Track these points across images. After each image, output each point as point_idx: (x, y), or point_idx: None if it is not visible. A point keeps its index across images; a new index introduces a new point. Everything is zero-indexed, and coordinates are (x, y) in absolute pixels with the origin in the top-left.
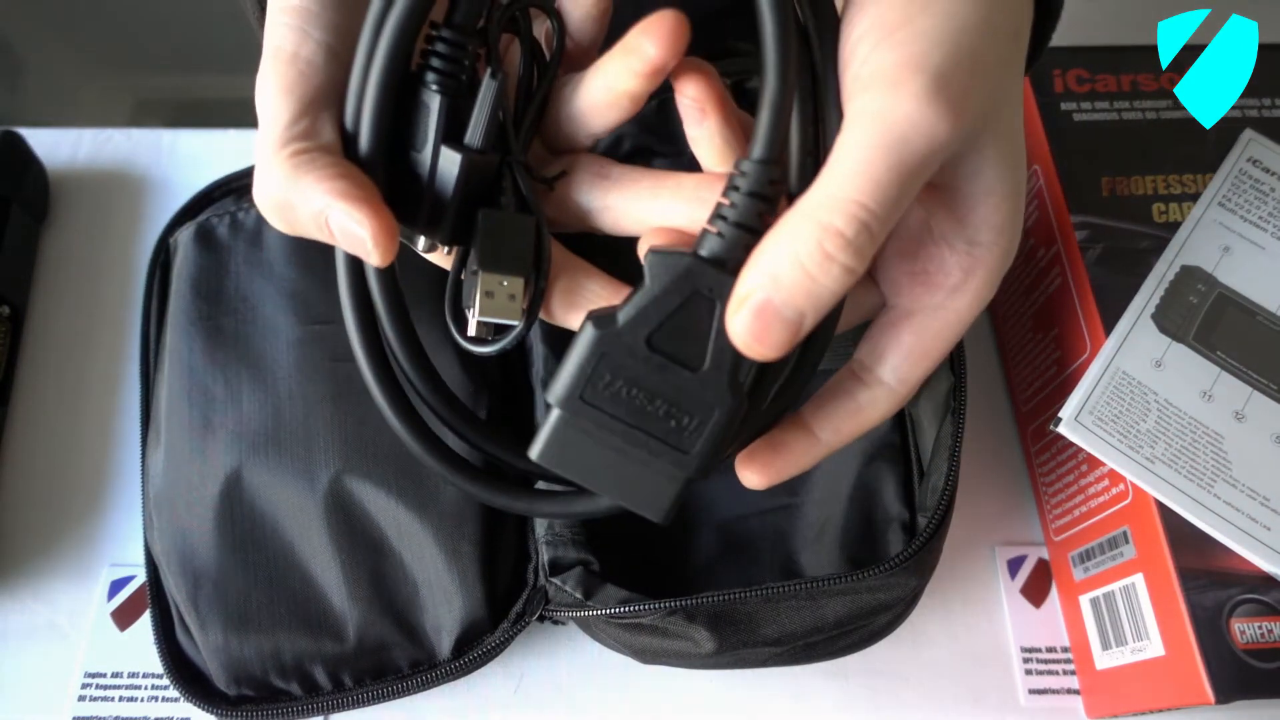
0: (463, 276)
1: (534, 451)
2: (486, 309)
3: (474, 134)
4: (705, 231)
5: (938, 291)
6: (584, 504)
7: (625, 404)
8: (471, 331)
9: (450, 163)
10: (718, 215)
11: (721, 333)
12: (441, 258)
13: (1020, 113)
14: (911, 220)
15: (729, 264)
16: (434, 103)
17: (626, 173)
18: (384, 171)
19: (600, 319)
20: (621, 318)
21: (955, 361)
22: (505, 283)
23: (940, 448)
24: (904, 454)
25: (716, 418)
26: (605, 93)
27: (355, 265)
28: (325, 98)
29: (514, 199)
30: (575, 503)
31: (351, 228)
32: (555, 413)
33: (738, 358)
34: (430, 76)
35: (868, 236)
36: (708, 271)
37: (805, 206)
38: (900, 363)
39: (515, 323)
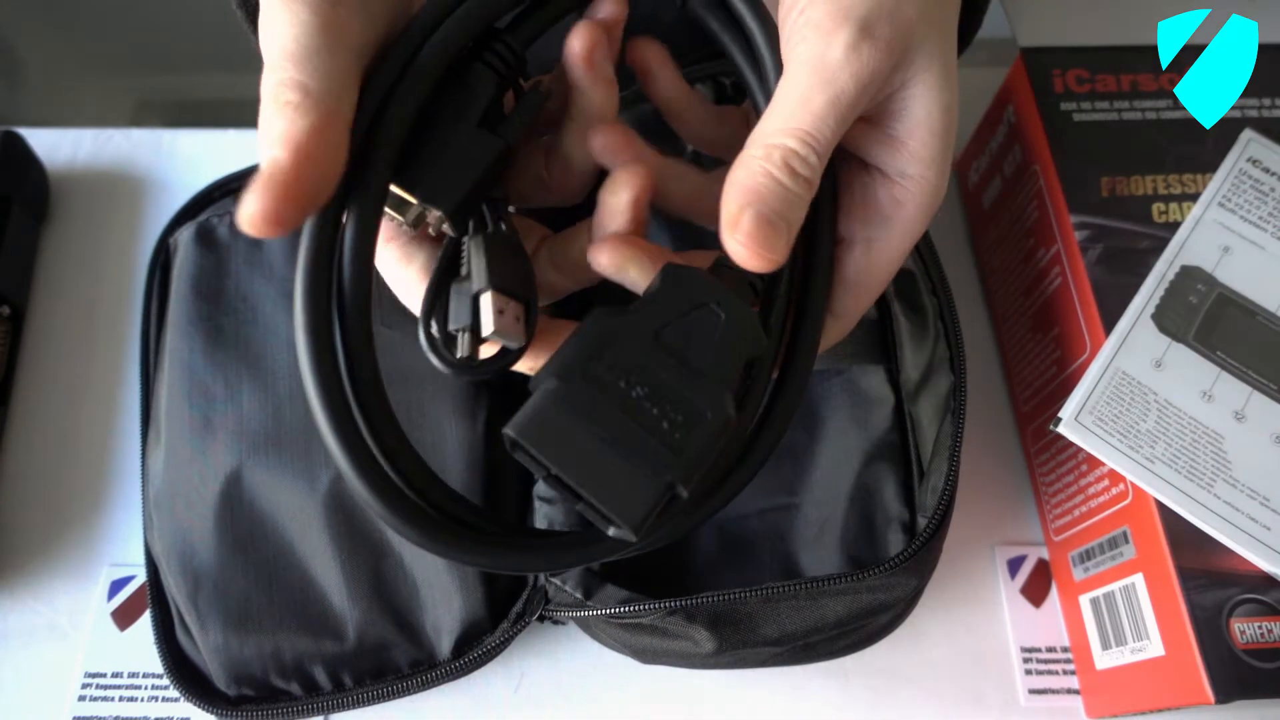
0: (445, 294)
1: (513, 426)
2: (501, 327)
3: (511, 129)
4: (718, 260)
5: (870, 223)
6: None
7: (621, 393)
8: (463, 352)
9: (486, 146)
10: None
11: (724, 345)
12: (410, 251)
13: (953, 54)
14: (843, 155)
15: (737, 280)
16: (482, 88)
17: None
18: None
19: (610, 310)
20: (632, 310)
21: (955, 361)
22: (511, 303)
23: (940, 448)
24: (904, 454)
25: (709, 421)
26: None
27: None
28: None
29: (504, 223)
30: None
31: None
32: (546, 386)
33: (737, 370)
34: (482, 67)
35: (815, 156)
36: (719, 287)
37: (761, 136)
38: (841, 294)
39: (515, 343)
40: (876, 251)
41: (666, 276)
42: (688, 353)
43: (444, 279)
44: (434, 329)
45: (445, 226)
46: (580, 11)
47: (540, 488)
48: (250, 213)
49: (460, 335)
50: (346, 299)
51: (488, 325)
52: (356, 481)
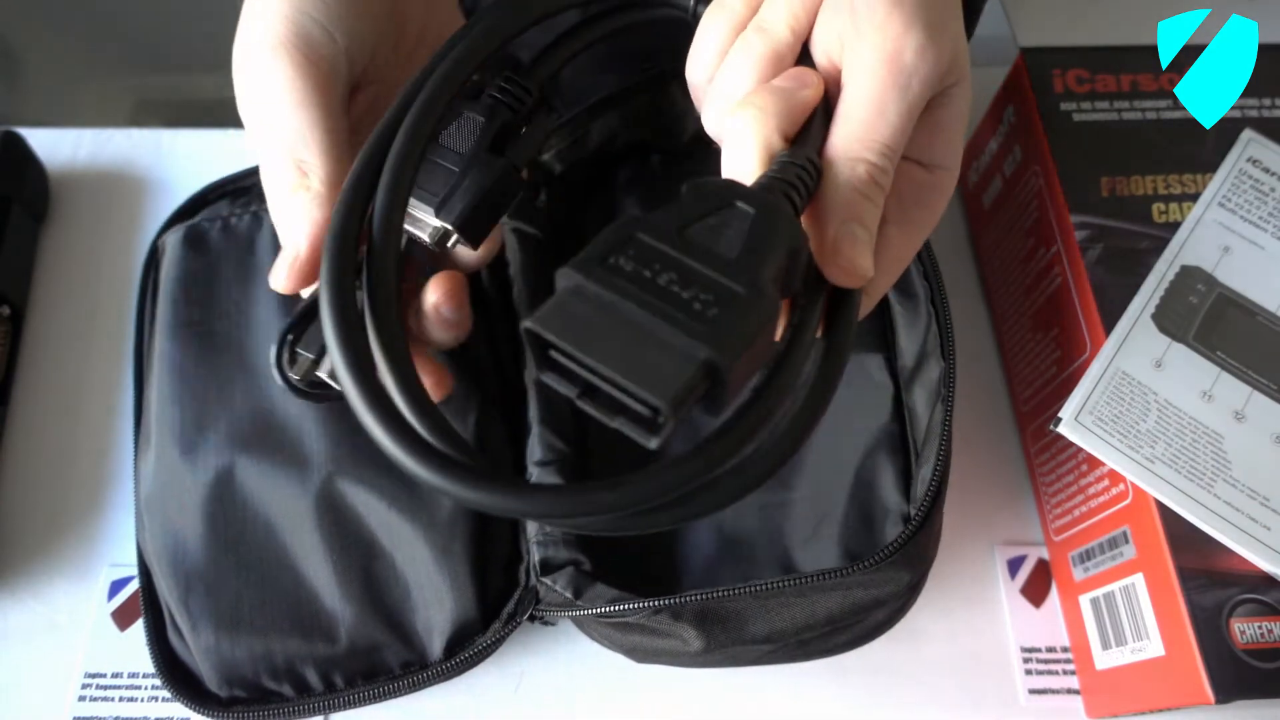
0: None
1: (534, 319)
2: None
3: (517, 152)
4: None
5: (906, 206)
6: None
7: (647, 280)
8: (298, 375)
9: (492, 166)
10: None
11: (757, 235)
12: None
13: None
14: None
15: (770, 190)
16: (485, 116)
17: None
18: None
19: (635, 217)
20: (656, 211)
21: (945, 347)
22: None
23: (931, 435)
24: (903, 444)
25: (743, 297)
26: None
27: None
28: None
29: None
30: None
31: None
32: (568, 279)
33: (766, 260)
34: (488, 99)
35: (890, 163)
36: (742, 188)
37: (844, 149)
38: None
39: (338, 390)
40: (909, 234)
41: (689, 187)
42: (717, 245)
43: (313, 309)
44: (288, 341)
45: (456, 240)
46: (584, 10)
47: (533, 474)
48: (280, 283)
49: (300, 357)
50: (375, 283)
51: (327, 366)
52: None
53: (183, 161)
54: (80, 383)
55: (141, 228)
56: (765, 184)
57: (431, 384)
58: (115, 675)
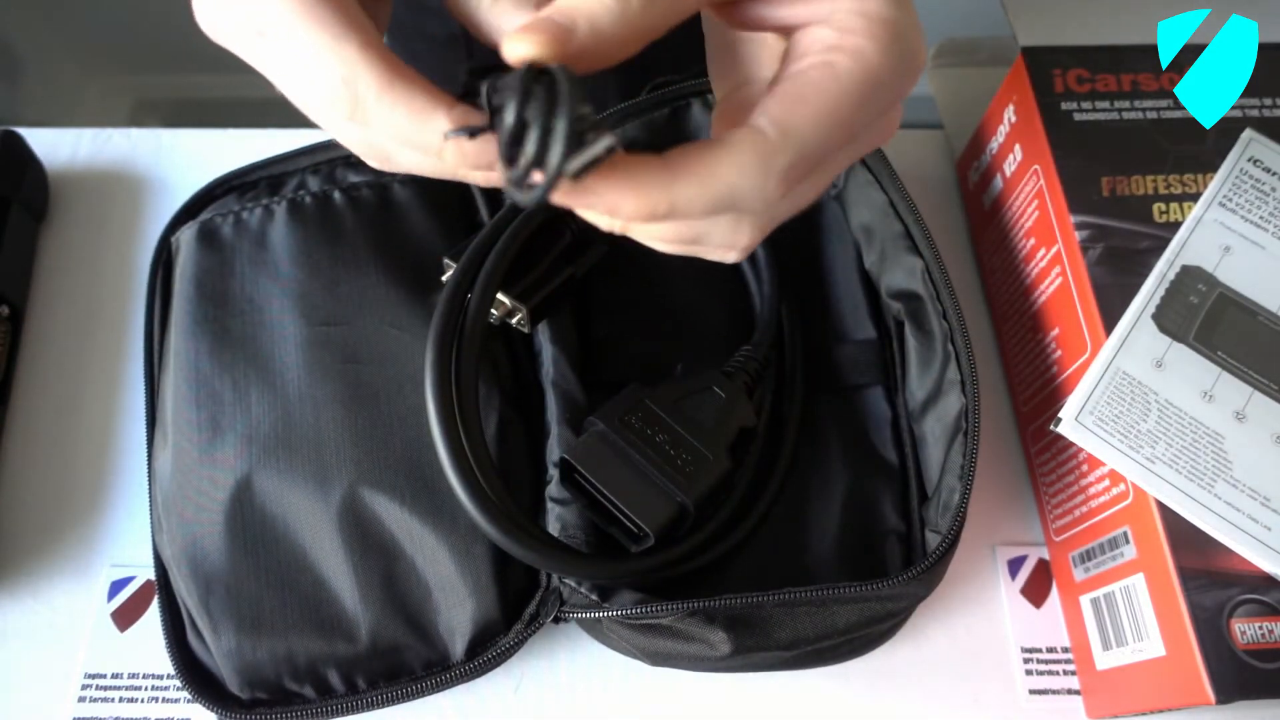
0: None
1: (568, 452)
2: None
3: (580, 264)
4: (725, 367)
5: (828, 48)
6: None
7: (648, 437)
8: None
9: (560, 272)
10: (735, 361)
11: (723, 414)
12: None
13: None
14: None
15: (735, 379)
16: (565, 237)
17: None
18: None
19: (643, 385)
20: (659, 385)
21: (966, 385)
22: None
23: (951, 466)
24: (901, 469)
25: (711, 461)
26: None
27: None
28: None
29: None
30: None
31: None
32: (595, 427)
33: (732, 431)
34: (563, 225)
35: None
36: (719, 377)
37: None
38: (773, 105)
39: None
40: (822, 70)
41: (682, 369)
42: (698, 415)
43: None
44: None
45: (522, 318)
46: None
47: (552, 489)
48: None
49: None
50: (463, 360)
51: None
52: (491, 528)
53: (182, 161)
54: (80, 382)
55: (141, 227)
56: (732, 373)
57: None
58: (115, 676)
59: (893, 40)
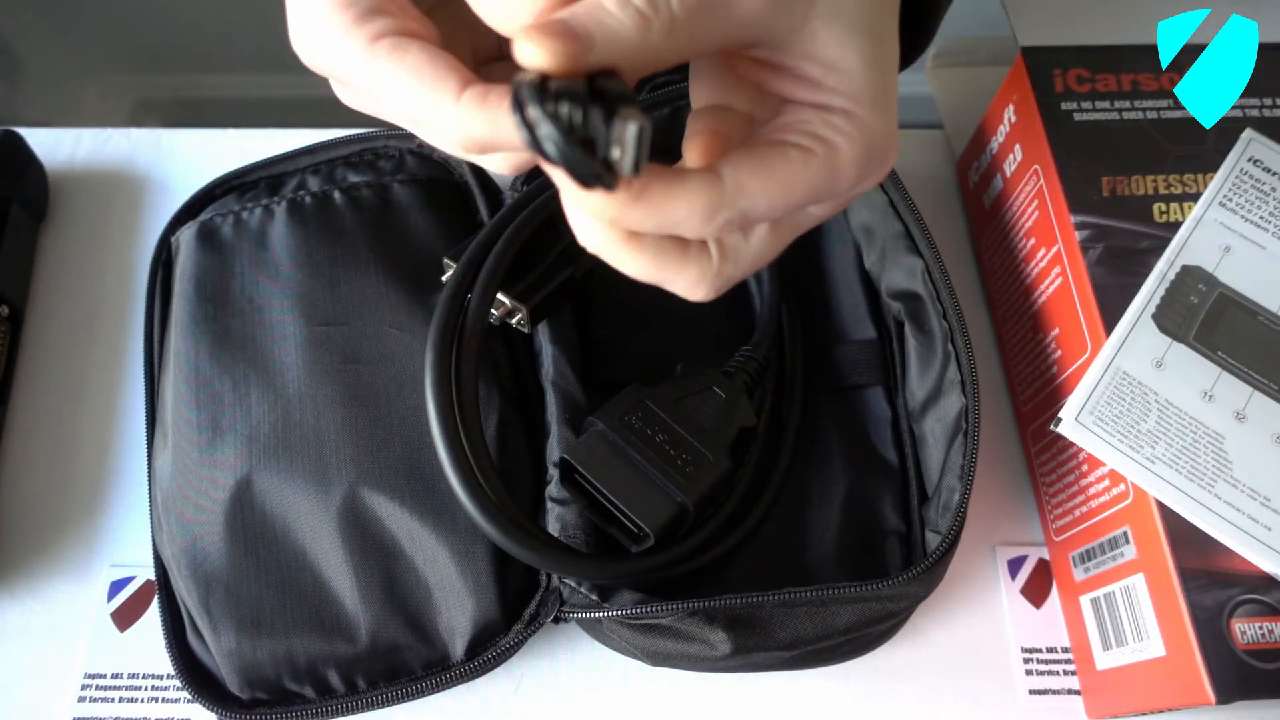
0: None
1: (569, 452)
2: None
3: (581, 264)
4: (724, 368)
5: (813, 130)
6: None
7: (649, 438)
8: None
9: (560, 271)
10: (735, 361)
11: (721, 414)
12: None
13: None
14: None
15: (735, 379)
16: (566, 236)
17: None
18: None
19: (643, 385)
20: (660, 385)
21: (966, 385)
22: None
23: (951, 467)
24: (901, 469)
25: (711, 462)
26: None
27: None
28: None
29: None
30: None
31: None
32: (595, 427)
33: (733, 432)
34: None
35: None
36: (719, 377)
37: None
38: (743, 162)
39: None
40: (795, 152)
41: (683, 369)
42: (698, 415)
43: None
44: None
45: (522, 318)
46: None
47: (552, 489)
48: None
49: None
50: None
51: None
52: (489, 525)
53: (182, 161)
54: (80, 382)
55: (141, 227)
56: (732, 372)
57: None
58: (115, 676)
59: (867, 149)
